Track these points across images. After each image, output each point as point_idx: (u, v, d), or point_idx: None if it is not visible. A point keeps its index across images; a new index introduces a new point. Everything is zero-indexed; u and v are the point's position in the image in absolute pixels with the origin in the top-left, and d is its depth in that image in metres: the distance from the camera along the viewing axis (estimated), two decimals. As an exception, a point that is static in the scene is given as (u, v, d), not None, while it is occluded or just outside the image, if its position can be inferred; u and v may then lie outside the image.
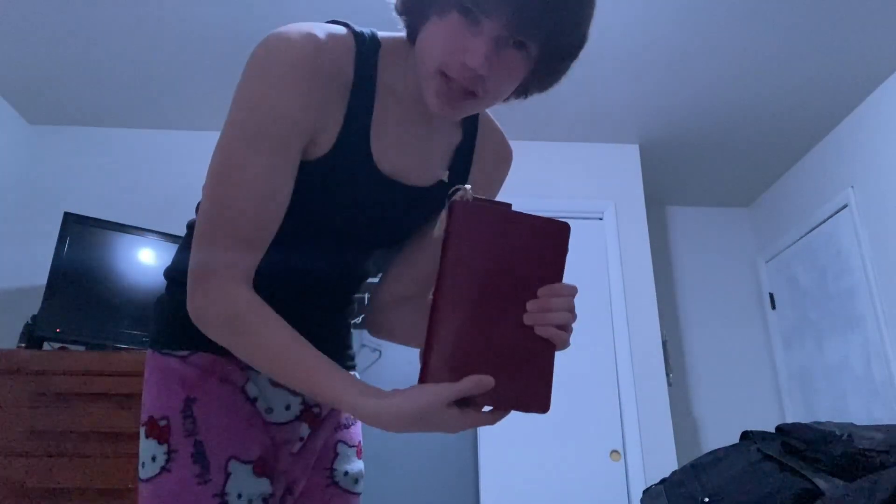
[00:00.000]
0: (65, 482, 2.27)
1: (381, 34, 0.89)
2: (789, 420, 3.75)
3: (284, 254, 0.92)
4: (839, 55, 2.90)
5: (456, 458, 3.69)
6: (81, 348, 2.60)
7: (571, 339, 0.76)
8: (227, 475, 0.85)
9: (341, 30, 0.85)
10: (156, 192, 3.30)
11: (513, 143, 1.12)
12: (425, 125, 0.93)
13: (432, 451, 3.66)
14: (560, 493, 2.95)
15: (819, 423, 1.51)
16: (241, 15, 2.64)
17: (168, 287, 0.98)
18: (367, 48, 0.86)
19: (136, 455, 2.33)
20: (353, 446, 1.05)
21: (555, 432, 3.05)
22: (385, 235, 0.99)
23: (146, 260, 2.83)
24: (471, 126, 1.00)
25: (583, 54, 0.83)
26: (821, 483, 1.35)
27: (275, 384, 0.95)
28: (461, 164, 0.98)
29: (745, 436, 1.67)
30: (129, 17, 2.65)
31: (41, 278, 2.99)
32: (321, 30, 0.82)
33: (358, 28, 0.87)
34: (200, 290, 0.79)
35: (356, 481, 1.03)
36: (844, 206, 3.36)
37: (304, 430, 0.97)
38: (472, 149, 0.99)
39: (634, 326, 3.26)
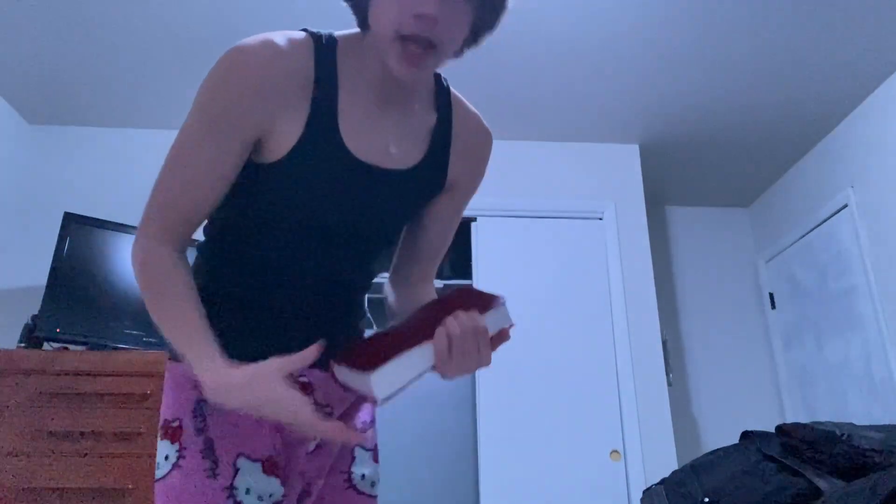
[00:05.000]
0: (65, 482, 2.27)
1: (336, 33, 0.95)
2: (789, 420, 3.75)
3: (283, 261, 0.95)
4: (839, 55, 2.90)
5: (456, 457, 3.69)
6: (81, 348, 2.60)
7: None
8: (236, 470, 0.87)
9: (300, 34, 0.92)
10: (156, 192, 3.30)
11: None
12: (397, 109, 0.97)
13: (432, 451, 3.66)
14: (560, 493, 2.95)
15: (819, 423, 1.51)
16: (241, 17, 2.64)
17: None
18: (324, 46, 0.92)
19: (137, 455, 2.34)
20: (370, 450, 1.06)
21: (555, 432, 3.05)
22: (373, 226, 0.99)
23: (146, 260, 2.83)
24: (444, 108, 1.03)
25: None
26: (821, 483, 1.35)
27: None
28: (439, 145, 1.01)
29: (745, 436, 1.67)
30: (129, 18, 2.65)
31: (41, 278, 2.99)
32: (280, 36, 0.90)
33: (315, 30, 0.94)
34: (136, 242, 0.90)
35: (373, 484, 1.05)
36: (844, 206, 3.36)
37: None
38: (448, 130, 1.02)
39: (634, 326, 3.26)
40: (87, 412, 2.36)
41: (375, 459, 1.07)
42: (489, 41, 2.94)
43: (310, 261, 0.97)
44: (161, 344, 2.69)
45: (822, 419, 2.33)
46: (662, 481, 1.70)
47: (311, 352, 0.77)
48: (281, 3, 2.59)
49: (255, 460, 0.89)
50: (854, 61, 2.94)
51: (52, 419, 2.34)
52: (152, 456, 2.34)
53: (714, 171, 3.88)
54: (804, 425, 1.51)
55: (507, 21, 2.70)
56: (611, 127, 3.45)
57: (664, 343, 3.34)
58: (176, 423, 0.90)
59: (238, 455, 0.88)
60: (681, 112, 3.31)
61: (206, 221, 1.03)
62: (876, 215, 3.15)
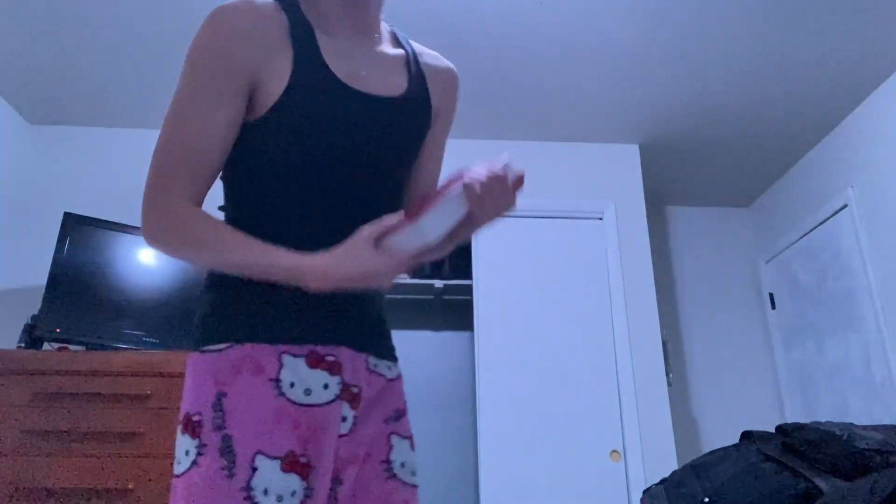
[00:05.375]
0: (65, 482, 2.27)
1: None
2: (789, 420, 3.75)
3: (309, 219, 0.97)
4: (839, 55, 2.90)
5: (456, 458, 3.69)
6: (81, 348, 2.60)
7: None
8: (254, 470, 0.85)
9: None
10: (156, 192, 3.29)
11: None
12: (367, 43, 1.06)
13: (433, 452, 3.66)
14: (560, 493, 2.95)
15: (819, 423, 1.51)
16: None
17: (207, 287, 0.99)
18: (288, 2, 1.01)
19: (137, 455, 2.34)
20: (407, 438, 1.03)
21: (555, 432, 3.05)
22: (384, 157, 1.02)
23: (146, 260, 2.83)
24: (406, 46, 1.12)
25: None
26: (821, 483, 1.35)
27: (311, 365, 0.93)
28: (417, 75, 1.10)
29: (746, 436, 1.67)
30: (129, 18, 2.65)
31: (41, 278, 2.99)
32: None
33: None
34: (152, 207, 0.91)
35: (413, 473, 1.02)
36: (844, 206, 3.36)
37: (346, 409, 0.96)
38: (418, 63, 1.12)
39: (634, 326, 3.26)
40: (87, 412, 2.36)
41: (412, 448, 1.04)
42: (490, 42, 2.93)
43: (333, 213, 0.98)
44: (161, 344, 2.69)
45: (822, 419, 2.33)
46: (662, 481, 1.70)
47: (397, 216, 0.89)
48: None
49: (273, 458, 0.87)
50: (854, 61, 2.94)
51: (52, 419, 2.34)
52: (153, 456, 2.34)
53: (714, 171, 3.88)
54: (804, 425, 1.51)
55: (507, 22, 2.70)
56: (611, 127, 3.45)
57: (664, 343, 3.34)
58: (197, 418, 0.88)
59: (256, 453, 0.86)
60: (681, 112, 3.32)
61: (223, 213, 1.03)
62: (876, 215, 3.15)
